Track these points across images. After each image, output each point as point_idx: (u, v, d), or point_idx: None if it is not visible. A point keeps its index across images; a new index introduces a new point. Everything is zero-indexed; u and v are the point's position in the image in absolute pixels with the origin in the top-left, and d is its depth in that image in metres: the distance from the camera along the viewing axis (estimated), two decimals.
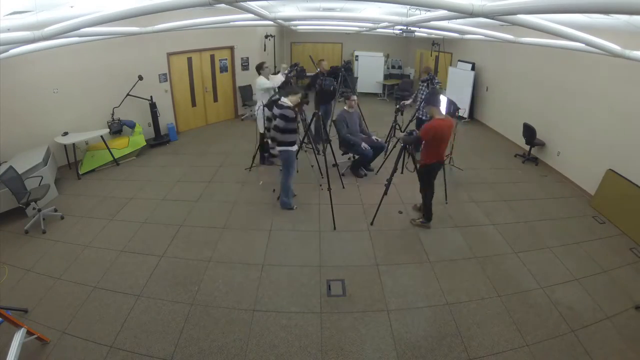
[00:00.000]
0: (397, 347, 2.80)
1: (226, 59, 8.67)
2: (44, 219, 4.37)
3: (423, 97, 6.25)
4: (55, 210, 4.65)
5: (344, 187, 5.38)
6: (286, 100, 4.21)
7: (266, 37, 10.13)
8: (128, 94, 6.41)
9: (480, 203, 5.06)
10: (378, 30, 9.30)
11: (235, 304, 3.20)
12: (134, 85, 6.43)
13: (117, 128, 6.34)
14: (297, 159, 4.55)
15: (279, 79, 5.70)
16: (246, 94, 9.13)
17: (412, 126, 6.18)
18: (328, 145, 5.14)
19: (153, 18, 4.89)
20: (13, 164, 4.52)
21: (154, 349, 2.75)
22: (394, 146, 6.41)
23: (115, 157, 6.15)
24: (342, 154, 6.28)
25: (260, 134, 5.70)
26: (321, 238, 4.18)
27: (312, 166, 5.90)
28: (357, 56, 12.21)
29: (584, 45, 4.03)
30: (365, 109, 5.94)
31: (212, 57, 8.32)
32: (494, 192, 5.41)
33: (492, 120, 8.71)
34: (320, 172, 5.52)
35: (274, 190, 5.20)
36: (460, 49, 9.91)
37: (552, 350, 2.81)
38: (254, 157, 5.93)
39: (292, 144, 4.34)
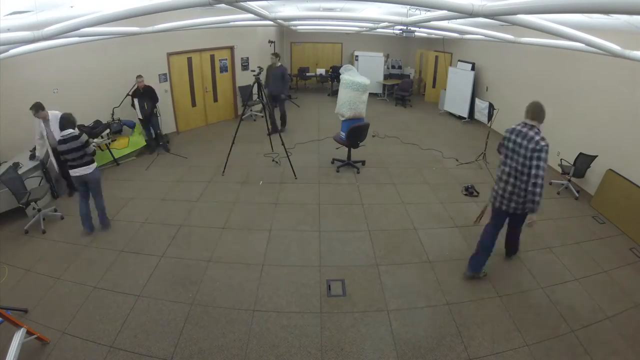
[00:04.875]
0: (397, 347, 2.80)
1: (226, 59, 8.67)
2: (43, 219, 4.36)
3: None
4: (55, 210, 4.65)
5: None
6: (72, 131, 3.91)
7: (270, 42, 10.22)
8: (128, 94, 6.41)
9: (480, 203, 5.05)
10: (378, 30, 9.32)
11: (235, 304, 3.20)
12: (134, 85, 6.42)
13: (117, 128, 6.33)
14: None
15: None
16: (246, 94, 9.13)
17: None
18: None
19: (153, 18, 4.91)
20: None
21: (154, 349, 2.75)
22: None
23: (115, 157, 6.15)
24: (337, 148, 6.32)
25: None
26: (321, 238, 4.17)
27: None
28: (357, 56, 12.20)
29: (584, 45, 4.03)
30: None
31: (212, 57, 8.32)
32: None
33: None
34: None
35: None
36: (460, 49, 9.92)
37: (552, 350, 2.80)
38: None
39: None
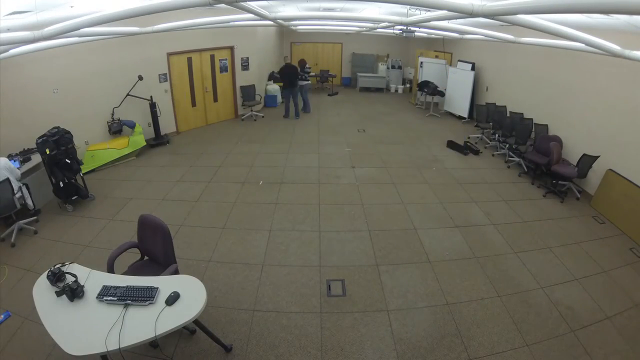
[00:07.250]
0: (397, 347, 2.80)
1: (226, 59, 8.67)
2: (20, 229, 4.30)
3: None
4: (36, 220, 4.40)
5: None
6: None
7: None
8: (128, 94, 6.41)
9: (480, 203, 5.06)
10: (378, 30, 9.32)
11: (235, 304, 3.20)
12: (134, 85, 6.43)
13: (117, 128, 6.33)
14: None
15: None
16: (246, 94, 9.13)
17: None
18: None
19: (153, 18, 4.91)
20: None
21: (155, 350, 2.74)
22: None
23: (115, 157, 6.15)
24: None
25: None
26: (321, 238, 4.17)
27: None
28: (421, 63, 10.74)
29: (584, 45, 4.03)
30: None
31: (212, 57, 8.31)
32: (494, 192, 5.41)
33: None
34: None
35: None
36: (460, 49, 9.91)
37: (552, 350, 2.80)
38: None
39: None
